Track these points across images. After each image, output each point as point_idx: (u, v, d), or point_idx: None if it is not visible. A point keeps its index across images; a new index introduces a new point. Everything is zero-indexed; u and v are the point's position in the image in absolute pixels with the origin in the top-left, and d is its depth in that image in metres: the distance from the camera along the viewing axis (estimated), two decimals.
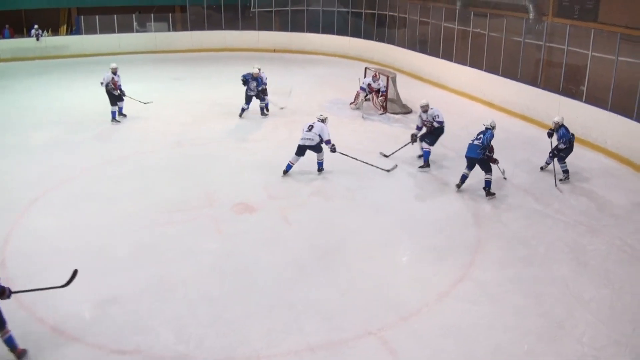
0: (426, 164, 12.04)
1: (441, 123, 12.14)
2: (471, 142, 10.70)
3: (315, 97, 17.75)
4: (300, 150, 11.43)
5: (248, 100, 15.43)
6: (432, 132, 12.20)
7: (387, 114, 16.03)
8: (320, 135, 11.33)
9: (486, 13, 17.91)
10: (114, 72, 14.77)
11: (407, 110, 16.32)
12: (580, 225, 9.62)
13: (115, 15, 24.67)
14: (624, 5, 14.62)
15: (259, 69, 15.38)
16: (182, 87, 19.37)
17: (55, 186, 10.84)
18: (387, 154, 12.67)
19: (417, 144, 12.38)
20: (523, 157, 12.80)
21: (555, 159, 11.43)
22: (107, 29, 24.66)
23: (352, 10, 25.27)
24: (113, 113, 15.02)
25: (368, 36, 24.44)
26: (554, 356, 6.50)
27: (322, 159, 11.71)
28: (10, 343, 6.26)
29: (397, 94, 16.66)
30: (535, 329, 6.95)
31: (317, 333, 6.83)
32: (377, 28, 24.07)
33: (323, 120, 11.55)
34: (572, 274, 8.15)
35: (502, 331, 6.90)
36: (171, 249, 8.65)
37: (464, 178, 10.88)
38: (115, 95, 14.85)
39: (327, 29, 25.59)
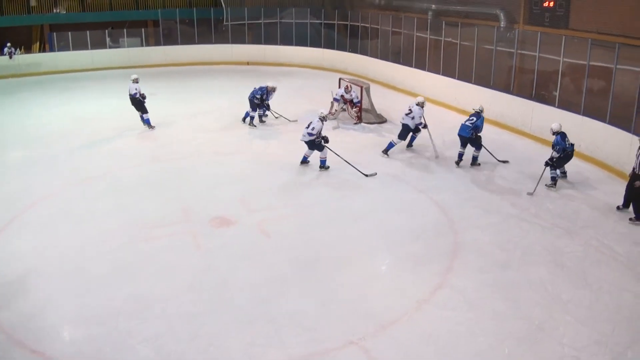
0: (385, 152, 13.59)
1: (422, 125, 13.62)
2: (464, 122, 12.57)
3: (290, 108, 17.74)
4: (306, 145, 12.49)
5: (254, 107, 16.02)
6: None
7: (362, 123, 16.12)
8: (312, 133, 12.15)
9: (458, 22, 18.16)
10: (136, 81, 15.55)
11: (381, 120, 16.43)
12: (557, 228, 9.75)
13: (88, 32, 24.55)
14: (593, 12, 14.92)
15: (274, 87, 16.25)
16: (156, 101, 19.23)
17: (31, 206, 10.72)
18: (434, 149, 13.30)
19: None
20: (498, 163, 12.94)
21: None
22: (80, 45, 24.51)
23: (325, 22, 25.44)
24: (147, 120, 15.85)
25: (341, 47, 24.60)
26: (534, 359, 6.56)
27: (325, 157, 12.46)
28: None
29: (372, 104, 16.76)
30: (515, 332, 7.01)
31: (299, 345, 6.82)
32: (350, 39, 24.24)
33: (322, 119, 12.33)
34: (550, 276, 8.25)
35: (482, 336, 6.95)
36: (149, 266, 8.59)
37: (460, 155, 12.76)
38: (143, 101, 15.60)
39: (301, 41, 25.71)
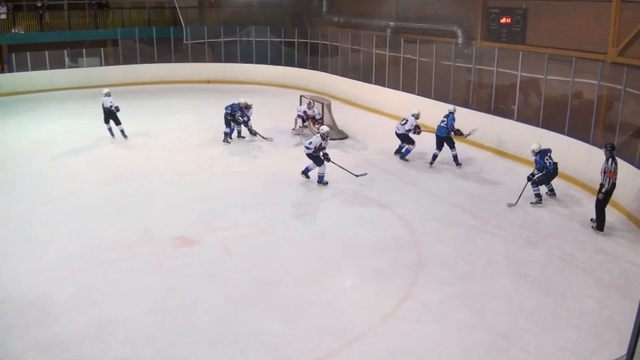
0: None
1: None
2: (439, 124, 13.81)
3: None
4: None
5: (227, 124, 16.02)
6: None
7: None
8: (309, 147, 12.45)
9: (416, 39, 18.42)
10: (108, 95, 16.20)
11: (343, 136, 16.50)
12: (519, 239, 9.88)
13: (46, 52, 24.13)
14: (549, 28, 15.31)
15: (246, 104, 16.06)
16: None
17: None
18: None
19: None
20: (458, 176, 13.10)
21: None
22: (39, 65, 24.06)
23: (285, 40, 25.56)
24: (122, 131, 16.55)
25: (302, 65, 24.74)
26: None
27: (323, 173, 12.61)
28: None
29: (333, 120, 16.84)
30: (481, 342, 7.05)
31: None
32: (311, 57, 24.39)
33: (323, 135, 12.61)
34: (513, 285, 8.34)
35: (448, 348, 6.97)
36: (112, 289, 8.39)
37: (434, 156, 13.88)
38: (115, 112, 16.23)
39: (261, 59, 25.76)
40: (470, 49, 16.98)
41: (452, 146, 13.85)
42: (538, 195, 11.34)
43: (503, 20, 16.83)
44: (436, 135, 13.92)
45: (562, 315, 7.61)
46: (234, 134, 16.25)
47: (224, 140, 16.01)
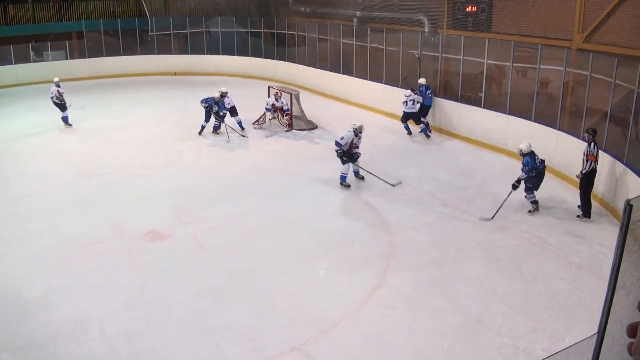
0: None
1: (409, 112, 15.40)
2: (426, 97, 15.12)
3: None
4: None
5: (207, 117, 15.68)
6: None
7: (293, 130, 16.12)
8: (339, 143, 11.85)
9: (383, 28, 18.45)
10: (57, 84, 16.64)
11: (312, 126, 16.47)
12: (489, 224, 10.00)
13: (11, 46, 23.55)
14: (515, 16, 15.43)
15: (221, 93, 15.57)
16: (82, 115, 18.66)
17: None
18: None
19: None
20: (428, 164, 13.20)
21: (523, 189, 10.52)
22: (2, 59, 23.48)
23: (252, 30, 25.35)
24: (65, 118, 16.90)
25: (269, 55, 24.59)
26: (474, 351, 6.71)
27: (345, 173, 11.92)
28: None
29: (302, 111, 16.81)
30: (454, 326, 7.15)
31: (240, 355, 6.74)
32: (278, 47, 24.26)
33: (356, 130, 11.95)
34: (484, 270, 8.46)
35: (421, 333, 7.05)
36: (84, 286, 8.28)
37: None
38: (61, 104, 16.65)
39: (228, 50, 25.52)
40: (436, 37, 17.07)
41: (418, 121, 15.29)
42: (535, 202, 10.42)
43: (469, 9, 16.93)
44: (425, 105, 15.21)
45: (533, 298, 7.75)
46: (208, 129, 15.88)
47: (199, 133, 15.75)
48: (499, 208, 10.28)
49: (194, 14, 26.87)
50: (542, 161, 10.48)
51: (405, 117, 15.47)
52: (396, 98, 17.21)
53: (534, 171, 10.28)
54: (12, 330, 7.26)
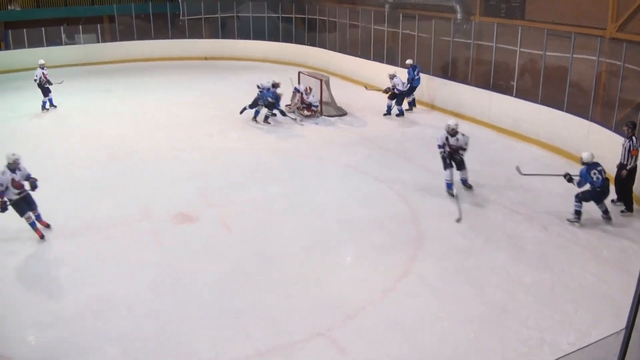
0: (401, 113, 16.18)
1: (400, 91, 15.91)
2: (415, 78, 15.91)
3: (248, 103, 17.65)
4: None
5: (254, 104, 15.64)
6: (397, 95, 15.97)
7: (323, 116, 16.11)
8: (439, 145, 10.77)
9: (415, 15, 18.29)
10: (42, 67, 16.77)
11: (342, 113, 16.44)
12: (518, 214, 9.92)
13: (43, 29, 23.92)
14: (548, 3, 15.18)
15: (273, 83, 15.49)
16: (113, 98, 18.95)
17: None
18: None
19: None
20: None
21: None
22: (35, 42, 23.86)
23: (282, 15, 25.34)
24: (44, 102, 17.00)
25: (300, 40, 24.56)
26: (498, 341, 6.68)
27: (449, 180, 10.80)
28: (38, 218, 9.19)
29: (332, 97, 16.77)
30: (479, 316, 7.12)
31: (266, 338, 6.80)
32: (308, 32, 24.22)
33: (448, 130, 10.64)
34: (511, 260, 8.39)
35: (446, 321, 7.04)
36: (112, 265, 8.43)
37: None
38: (46, 87, 16.79)
39: (258, 35, 25.56)
40: (469, 24, 16.87)
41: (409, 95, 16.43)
42: (577, 213, 9.49)
43: None
44: (413, 86, 16.21)
45: (560, 290, 7.67)
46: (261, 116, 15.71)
47: (258, 119, 15.68)
48: (537, 174, 10.82)
49: None
50: (604, 180, 9.27)
51: (393, 97, 16.03)
52: (426, 85, 17.12)
53: (586, 184, 9.31)
54: (40, 308, 7.44)
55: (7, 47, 24.28)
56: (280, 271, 8.28)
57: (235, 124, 15.55)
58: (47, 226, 9.46)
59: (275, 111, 15.49)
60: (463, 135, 10.67)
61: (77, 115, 16.75)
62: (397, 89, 15.86)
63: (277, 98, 15.29)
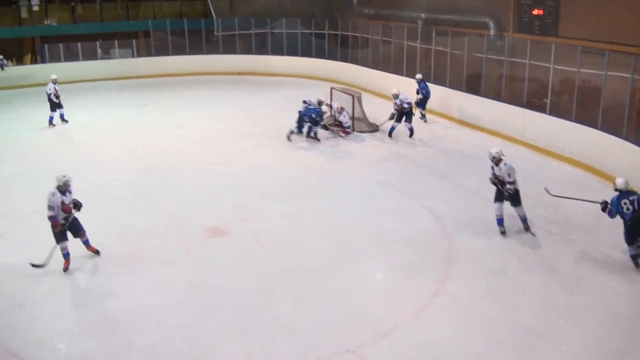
0: (412, 133, 15.46)
1: (410, 104, 15.17)
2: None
3: (281, 118, 17.74)
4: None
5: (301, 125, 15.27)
6: (408, 113, 15.20)
7: (355, 132, 16.10)
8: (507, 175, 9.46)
9: (447, 31, 18.24)
10: (55, 81, 16.97)
11: (374, 129, 16.42)
12: (551, 235, 9.76)
13: (79, 43, 24.47)
14: (582, 20, 15.03)
15: (319, 101, 15.37)
16: (147, 112, 19.25)
17: (21, 220, 10.54)
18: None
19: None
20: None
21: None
22: (71, 56, 24.41)
23: (315, 32, 25.49)
24: (51, 118, 17.08)
25: (332, 57, 24.65)
26: None
27: (524, 214, 9.78)
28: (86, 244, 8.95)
29: (363, 113, 16.77)
30: (511, 339, 7.00)
31: (294, 353, 6.80)
32: (341, 48, 24.31)
33: (491, 158, 9.63)
34: (544, 282, 8.25)
35: (478, 343, 6.94)
36: (143, 277, 8.53)
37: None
38: (55, 102, 16.91)
39: (291, 51, 25.73)
40: (502, 41, 16.76)
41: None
42: (635, 258, 8.51)
43: (535, 12, 16.57)
44: (427, 98, 16.71)
45: (593, 314, 7.51)
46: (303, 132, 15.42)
47: (311, 137, 15.31)
48: (564, 197, 9.92)
49: (259, 15, 27.21)
50: (635, 210, 8.29)
51: (401, 116, 15.32)
52: (459, 101, 17.05)
53: (616, 215, 8.49)
54: (71, 317, 7.57)
55: (43, 61, 24.91)
56: (310, 286, 8.28)
57: (269, 139, 15.64)
58: (96, 252, 9.14)
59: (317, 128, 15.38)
60: (505, 164, 9.48)
61: (112, 128, 17.05)
62: (405, 104, 15.14)
63: (321, 115, 15.28)
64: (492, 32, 17.89)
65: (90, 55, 24.97)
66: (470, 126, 16.60)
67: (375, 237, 9.81)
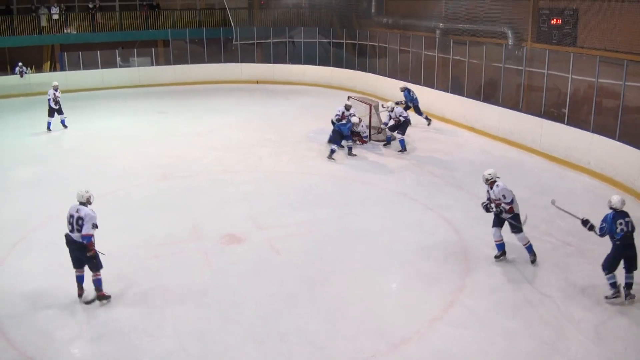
0: (404, 149, 15.06)
1: (406, 117, 15.18)
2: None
3: (299, 127, 17.85)
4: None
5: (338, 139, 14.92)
6: (401, 124, 15.10)
7: (372, 141, 16.09)
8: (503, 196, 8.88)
9: (466, 41, 18.22)
10: (56, 88, 17.34)
11: (392, 138, 16.35)
12: (568, 246, 9.68)
13: (98, 51, 24.78)
14: (601, 29, 14.95)
15: (345, 110, 14.90)
16: (166, 120, 19.42)
17: (40, 225, 10.70)
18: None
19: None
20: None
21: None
22: (90, 64, 24.74)
23: (333, 41, 25.60)
24: (49, 123, 17.46)
25: (350, 66, 24.72)
26: None
27: (528, 242, 9.11)
28: (96, 284, 7.89)
29: (381, 122, 16.75)
30: (527, 351, 6.94)
31: None
32: (359, 58, 24.37)
33: (491, 182, 9.02)
34: (561, 295, 8.16)
35: (494, 355, 6.88)
36: (159, 283, 8.56)
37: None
38: (54, 108, 17.33)
39: (309, 60, 25.86)
40: (520, 50, 16.71)
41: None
42: (614, 286, 7.91)
43: (554, 22, 16.52)
44: (417, 106, 16.85)
45: (610, 327, 7.42)
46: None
47: (349, 154, 14.88)
48: (565, 212, 8.94)
49: (278, 24, 27.40)
50: (629, 231, 7.82)
51: (394, 128, 15.25)
52: (476, 111, 16.99)
53: (604, 234, 7.94)
54: (85, 321, 7.61)
55: (63, 69, 25.22)
56: (326, 296, 8.27)
57: (286, 147, 15.71)
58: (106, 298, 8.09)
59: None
60: (498, 185, 8.93)
61: (130, 135, 17.24)
62: (403, 117, 15.11)
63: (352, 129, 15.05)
64: (510, 41, 17.86)
65: (110, 64, 25.28)
66: (488, 135, 16.54)
67: (392, 247, 9.78)
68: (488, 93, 17.10)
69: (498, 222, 9.12)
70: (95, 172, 13.74)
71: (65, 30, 26.52)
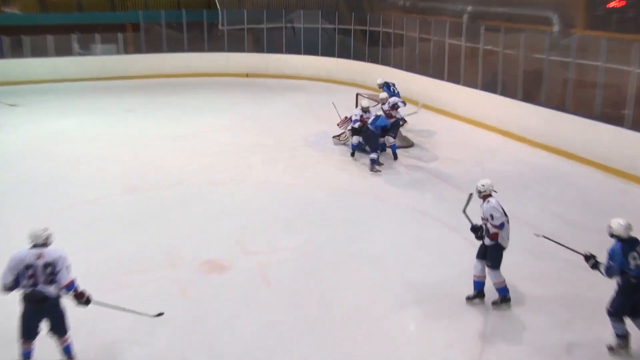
0: (395, 156, 15.27)
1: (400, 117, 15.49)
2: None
3: (297, 130, 17.79)
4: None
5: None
6: (392, 126, 15.14)
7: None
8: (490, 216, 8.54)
9: (500, 27, 18.18)
10: None
11: (408, 144, 16.34)
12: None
13: (47, 36, 24.68)
14: None
15: (362, 113, 14.99)
16: (136, 120, 19.38)
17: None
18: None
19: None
20: (551, 197, 12.75)
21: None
22: (39, 52, 24.66)
23: (339, 27, 25.62)
24: None
25: (359, 57, 24.74)
26: None
27: (501, 283, 8.73)
28: (67, 351, 7.31)
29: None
30: None
31: None
32: (370, 47, 24.39)
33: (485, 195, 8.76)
34: (593, 328, 7.96)
35: None
36: (127, 318, 8.39)
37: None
38: None
39: (310, 49, 25.88)
40: (569, 38, 16.64)
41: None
42: (623, 336, 7.61)
43: (612, 4, 16.45)
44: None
45: None
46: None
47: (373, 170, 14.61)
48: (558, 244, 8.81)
49: (273, 7, 27.48)
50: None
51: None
52: (514, 111, 16.90)
53: (612, 273, 7.46)
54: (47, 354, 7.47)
55: (2, 56, 24.94)
56: (326, 336, 8.12)
57: (282, 153, 15.65)
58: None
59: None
60: (489, 202, 8.61)
61: (91, 138, 17.15)
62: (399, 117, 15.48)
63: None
64: (555, 28, 17.80)
65: (64, 51, 25.20)
66: (527, 141, 16.47)
67: (408, 277, 9.62)
68: (527, 90, 17.02)
69: (482, 251, 8.76)
70: (48, 183, 13.62)
71: (4, 10, 26.42)
